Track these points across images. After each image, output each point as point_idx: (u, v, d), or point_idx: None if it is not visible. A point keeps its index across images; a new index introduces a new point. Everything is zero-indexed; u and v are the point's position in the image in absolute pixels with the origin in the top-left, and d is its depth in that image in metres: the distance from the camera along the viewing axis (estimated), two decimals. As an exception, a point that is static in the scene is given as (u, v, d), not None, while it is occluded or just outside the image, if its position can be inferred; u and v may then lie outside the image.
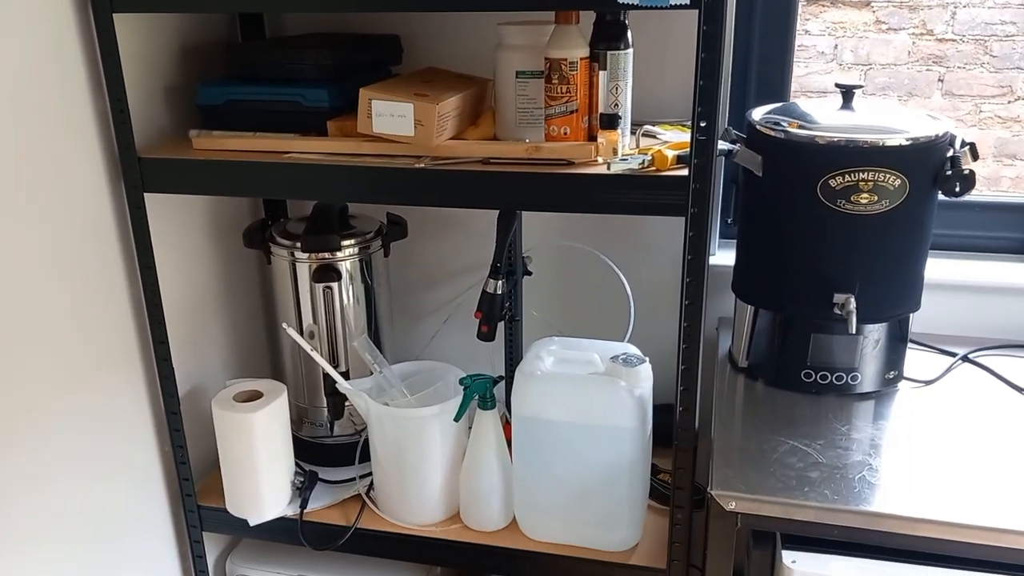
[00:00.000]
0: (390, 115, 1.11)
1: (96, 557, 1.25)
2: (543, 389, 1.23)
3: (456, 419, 1.29)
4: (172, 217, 1.35)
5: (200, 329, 1.45)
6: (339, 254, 1.37)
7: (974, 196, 1.25)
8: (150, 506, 1.37)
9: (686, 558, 1.20)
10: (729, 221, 1.58)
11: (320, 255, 1.37)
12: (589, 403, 1.21)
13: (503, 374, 1.55)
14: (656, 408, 1.25)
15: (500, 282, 1.36)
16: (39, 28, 1.08)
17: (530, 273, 1.52)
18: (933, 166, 1.20)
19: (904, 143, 1.18)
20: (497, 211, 1.34)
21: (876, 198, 1.19)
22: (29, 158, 1.08)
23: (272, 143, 1.19)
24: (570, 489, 1.25)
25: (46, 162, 1.11)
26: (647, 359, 1.22)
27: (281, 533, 1.36)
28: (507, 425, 1.32)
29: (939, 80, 1.86)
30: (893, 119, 1.25)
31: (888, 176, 1.18)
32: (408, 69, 1.35)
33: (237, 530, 1.38)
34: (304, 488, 1.38)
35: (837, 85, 1.29)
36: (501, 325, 1.43)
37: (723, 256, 1.50)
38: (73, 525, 1.20)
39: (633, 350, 1.24)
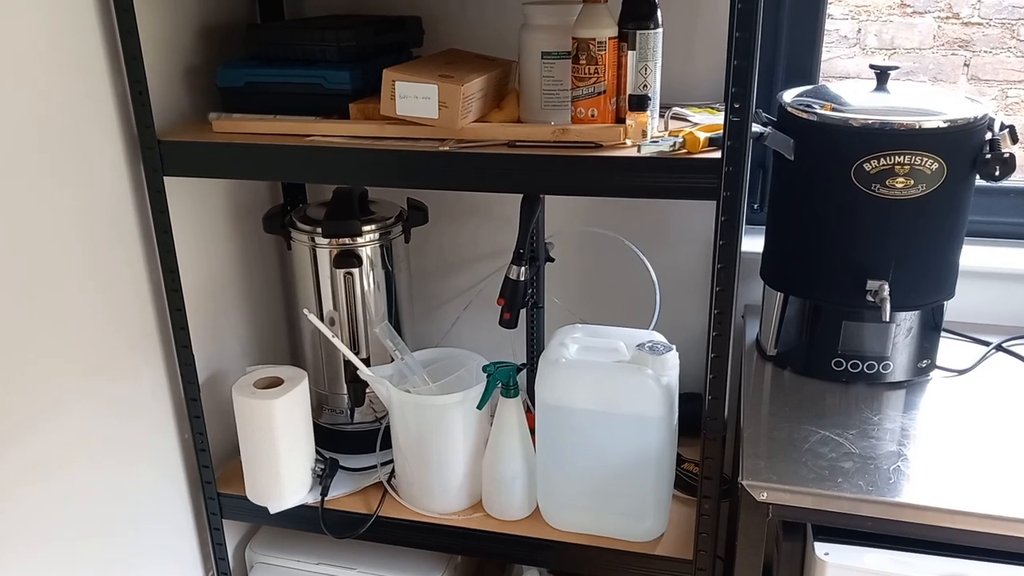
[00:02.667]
0: (414, 97, 1.09)
1: (116, 542, 1.24)
2: (568, 377, 1.21)
3: (479, 407, 1.27)
4: (192, 202, 1.33)
5: (220, 315, 1.43)
6: (360, 240, 1.35)
7: (1006, 182, 1.22)
8: (170, 493, 1.36)
9: (713, 549, 1.18)
10: (756, 207, 1.55)
11: (341, 241, 1.35)
12: (615, 391, 1.18)
13: (525, 362, 1.53)
14: (680, 397, 1.22)
15: (523, 268, 1.33)
16: (58, 9, 1.06)
17: (552, 259, 1.50)
18: (972, 149, 1.17)
19: (942, 125, 1.15)
20: (521, 196, 1.32)
21: (912, 182, 1.16)
22: (48, 141, 1.07)
23: (293, 126, 1.17)
24: (594, 478, 1.23)
25: (65, 145, 1.09)
26: (674, 347, 1.19)
27: (301, 521, 1.35)
28: (529, 413, 1.30)
29: (965, 65, 1.82)
30: (929, 101, 1.22)
31: (925, 160, 1.15)
32: (429, 51, 1.33)
33: (257, 518, 1.37)
34: (325, 476, 1.37)
35: (871, 66, 1.26)
36: (523, 312, 1.41)
37: (749, 243, 1.48)
38: (93, 511, 1.19)
39: (659, 338, 1.22)
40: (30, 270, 1.06)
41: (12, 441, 1.05)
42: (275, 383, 1.32)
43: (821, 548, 1.02)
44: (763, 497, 1.04)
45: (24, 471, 1.07)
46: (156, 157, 1.18)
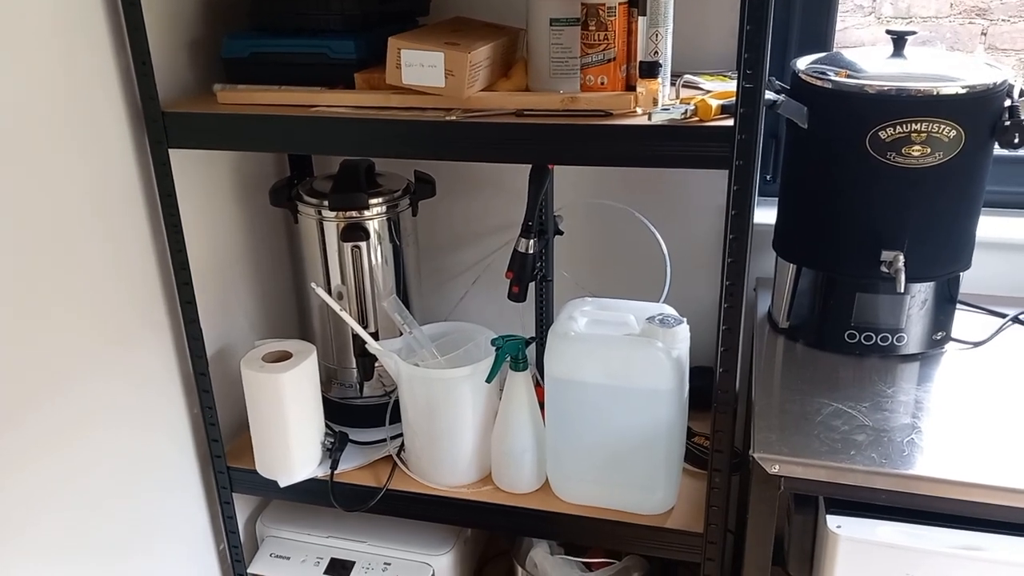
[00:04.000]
0: (420, 65, 1.07)
1: (127, 517, 1.25)
2: (577, 350, 1.19)
3: (488, 380, 1.26)
4: (197, 175, 1.32)
5: (228, 289, 1.43)
6: (367, 213, 1.34)
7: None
8: (180, 468, 1.36)
9: (724, 522, 1.18)
10: (768, 178, 1.52)
11: (348, 214, 1.33)
12: (625, 365, 1.17)
13: (535, 335, 1.52)
14: (691, 370, 1.21)
15: (532, 241, 1.32)
16: (58, -23, 1.05)
17: (561, 232, 1.48)
18: (991, 116, 1.14)
19: (960, 91, 1.12)
20: (529, 167, 1.30)
21: (929, 150, 1.13)
22: (53, 115, 1.06)
23: (298, 96, 1.16)
24: (604, 452, 1.22)
25: (70, 119, 1.08)
26: (684, 320, 1.18)
27: (311, 495, 1.35)
28: (538, 387, 1.29)
29: (982, 34, 1.79)
30: (947, 67, 1.19)
31: (942, 127, 1.12)
32: (435, 19, 1.30)
33: (267, 491, 1.37)
34: (334, 449, 1.37)
35: (888, 32, 1.23)
36: (532, 286, 1.40)
37: (761, 214, 1.45)
38: (104, 487, 1.20)
39: (670, 310, 1.20)
40: (37, 244, 1.05)
41: (29, 410, 1.05)
42: (284, 357, 1.32)
43: (833, 521, 1.01)
44: (775, 470, 1.03)
45: (35, 445, 1.07)
46: (160, 129, 1.17)
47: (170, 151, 1.19)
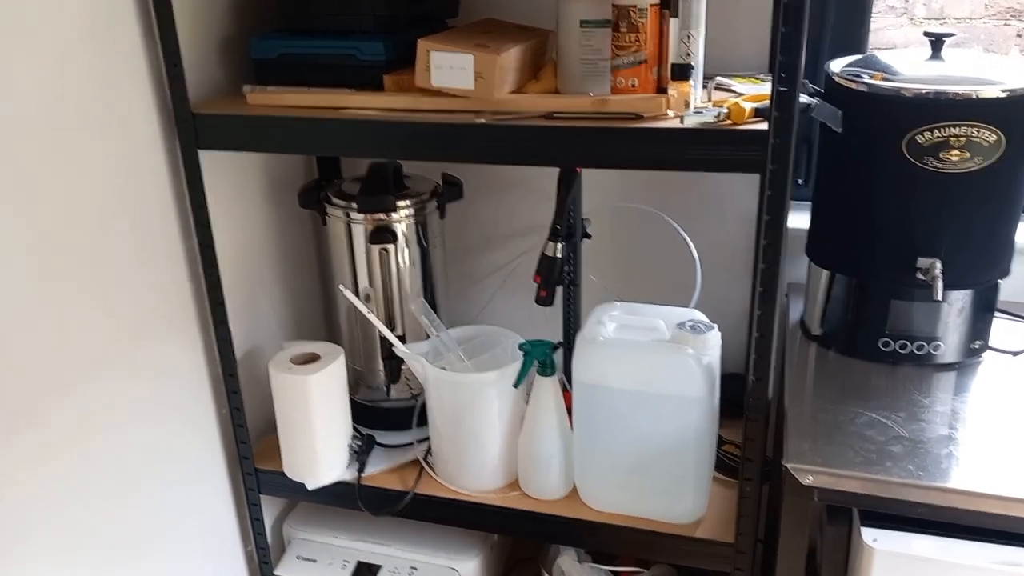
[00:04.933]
0: (449, 67, 1.07)
1: (154, 517, 1.25)
2: (606, 356, 1.18)
3: (515, 385, 1.25)
4: (227, 176, 1.33)
5: (256, 290, 1.43)
6: (395, 215, 1.34)
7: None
8: (208, 468, 1.36)
9: (754, 532, 1.16)
10: (800, 182, 1.50)
11: (376, 216, 1.33)
12: (654, 371, 1.16)
13: (562, 340, 1.51)
14: (722, 377, 1.19)
15: (560, 245, 1.31)
16: (92, -20, 1.05)
17: (589, 236, 1.47)
18: (1033, 120, 1.11)
19: (1001, 95, 1.09)
20: (558, 170, 1.29)
21: (968, 155, 1.11)
22: (85, 116, 1.06)
23: (327, 98, 1.15)
24: (633, 459, 1.20)
25: (102, 119, 1.09)
26: (715, 326, 1.16)
27: (338, 498, 1.35)
28: (566, 392, 1.28)
29: (1018, 35, 1.75)
30: (987, 69, 1.16)
31: (982, 131, 1.10)
32: (465, 21, 1.30)
33: (294, 494, 1.37)
34: (361, 452, 1.36)
35: (926, 34, 1.20)
36: (560, 290, 1.39)
37: (793, 219, 1.42)
38: (130, 486, 1.20)
39: (700, 316, 1.19)
40: (66, 243, 1.06)
41: (54, 406, 1.06)
42: (311, 359, 1.32)
43: (869, 534, 0.99)
44: (808, 481, 1.01)
45: (61, 440, 1.08)
46: (191, 130, 1.18)
47: (200, 152, 1.19)
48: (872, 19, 1.45)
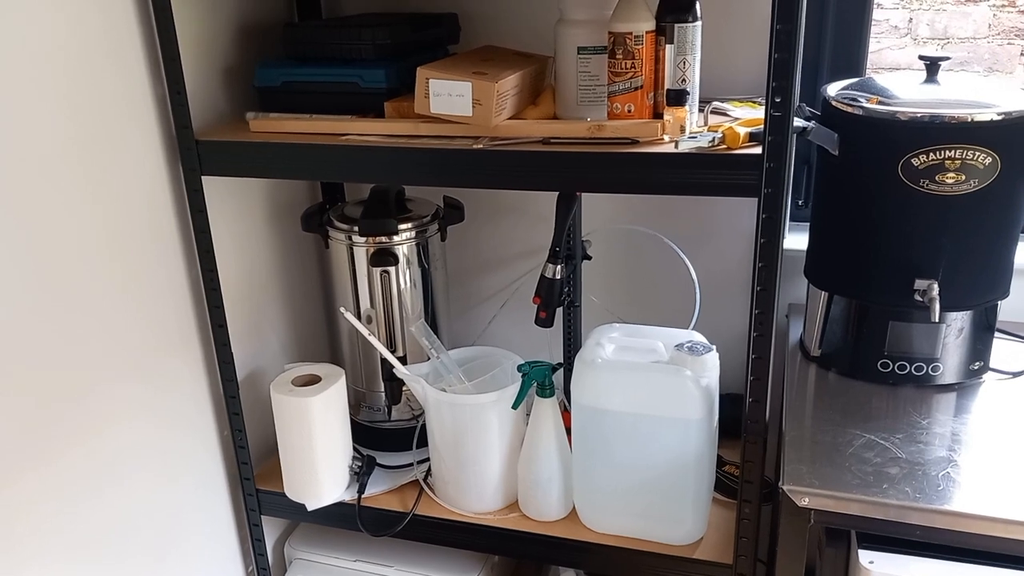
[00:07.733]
0: (448, 95, 1.08)
1: (155, 538, 1.26)
2: (605, 377, 1.19)
3: (514, 407, 1.26)
4: (230, 200, 1.34)
5: (258, 313, 1.44)
6: (396, 238, 1.35)
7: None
8: (210, 489, 1.37)
9: (753, 553, 1.16)
10: (800, 203, 1.51)
11: (377, 239, 1.35)
12: (653, 393, 1.16)
13: (562, 361, 1.52)
14: (721, 398, 1.20)
15: (559, 267, 1.32)
16: (95, 10, 1.07)
17: (589, 257, 1.48)
18: (1027, 143, 1.12)
19: (995, 118, 1.10)
20: (557, 193, 1.30)
21: (963, 177, 1.12)
22: (87, 141, 1.08)
23: (329, 125, 1.17)
24: (632, 480, 1.21)
25: (105, 146, 1.11)
26: (714, 347, 1.17)
27: (339, 519, 1.36)
28: (565, 413, 1.29)
29: (1022, 55, 1.75)
30: (982, 92, 1.17)
31: (977, 154, 1.10)
32: (466, 48, 1.32)
33: (295, 514, 1.38)
34: (362, 473, 1.37)
35: (921, 57, 1.21)
36: (560, 311, 1.39)
37: (793, 240, 1.44)
38: (132, 507, 1.21)
39: (699, 337, 1.19)
40: (69, 268, 1.07)
41: (54, 420, 1.07)
42: (313, 381, 1.33)
43: (865, 556, 0.99)
44: (805, 503, 1.01)
45: (59, 470, 1.09)
46: (194, 157, 1.19)
47: (203, 178, 1.21)
48: (875, 39, 1.45)
